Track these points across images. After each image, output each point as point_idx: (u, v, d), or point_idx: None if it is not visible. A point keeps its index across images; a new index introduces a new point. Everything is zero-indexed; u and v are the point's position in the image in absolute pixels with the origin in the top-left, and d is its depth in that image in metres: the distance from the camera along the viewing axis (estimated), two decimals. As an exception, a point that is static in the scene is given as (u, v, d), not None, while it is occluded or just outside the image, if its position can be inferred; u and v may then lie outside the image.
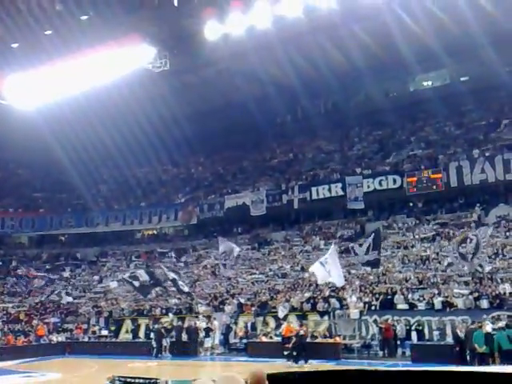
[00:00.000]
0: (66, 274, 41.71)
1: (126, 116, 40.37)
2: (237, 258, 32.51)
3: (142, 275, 30.98)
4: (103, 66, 35.77)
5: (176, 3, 35.76)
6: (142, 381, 14.73)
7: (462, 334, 19.73)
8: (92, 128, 40.50)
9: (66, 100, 37.90)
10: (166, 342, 28.05)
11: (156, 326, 28.56)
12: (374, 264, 26.15)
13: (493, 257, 26.31)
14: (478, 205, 31.06)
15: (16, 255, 44.54)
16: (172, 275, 31.22)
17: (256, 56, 35.28)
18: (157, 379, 15.03)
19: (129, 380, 14.73)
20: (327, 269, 24.05)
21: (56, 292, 38.76)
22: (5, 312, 35.60)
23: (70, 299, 36.73)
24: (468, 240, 25.52)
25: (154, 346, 27.85)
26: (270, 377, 0.87)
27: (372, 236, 26.18)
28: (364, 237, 32.73)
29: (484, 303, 22.54)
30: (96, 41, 35.20)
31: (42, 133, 39.96)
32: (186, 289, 30.30)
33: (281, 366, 22.68)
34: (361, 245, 27.07)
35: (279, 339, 24.83)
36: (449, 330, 22.00)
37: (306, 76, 37.62)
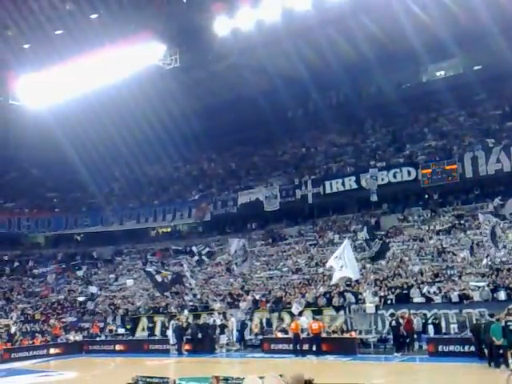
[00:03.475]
0: (82, 272, 41.96)
1: (136, 114, 40.48)
2: (247, 252, 32.08)
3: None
4: (114, 64, 35.79)
5: (185, -1, 35.65)
6: (157, 380, 14.72)
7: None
8: (103, 127, 40.63)
9: (78, 99, 38.01)
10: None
11: (175, 323, 28.52)
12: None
13: (510, 247, 25.95)
14: (499, 197, 30.35)
15: (32, 255, 44.90)
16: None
17: (266, 50, 35.13)
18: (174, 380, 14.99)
19: (148, 380, 14.72)
20: (339, 264, 23.89)
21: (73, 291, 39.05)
22: (22, 312, 35.88)
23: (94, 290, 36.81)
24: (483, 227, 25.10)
25: (173, 343, 27.89)
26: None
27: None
28: (380, 230, 32.71)
29: (501, 295, 22.22)
30: (106, 39, 35.24)
31: (54, 132, 40.18)
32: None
33: (296, 361, 22.63)
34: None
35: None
36: (466, 323, 21.75)
37: (317, 69, 37.39)
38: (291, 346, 24.25)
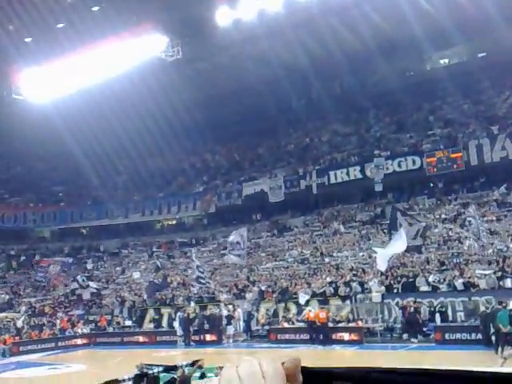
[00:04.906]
0: (89, 266, 42.10)
1: (139, 106, 40.33)
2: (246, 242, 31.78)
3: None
4: (116, 56, 35.79)
5: (187, -10, 35.48)
6: (161, 368, 14.83)
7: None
8: (107, 119, 40.51)
9: (81, 92, 37.99)
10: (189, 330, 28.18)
11: (181, 315, 28.59)
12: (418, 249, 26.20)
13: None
14: (504, 185, 30.30)
15: (39, 249, 45.06)
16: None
17: (268, 40, 34.94)
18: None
19: (153, 368, 14.82)
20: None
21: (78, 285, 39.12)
22: (29, 305, 36.04)
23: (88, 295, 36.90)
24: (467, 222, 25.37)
25: (180, 334, 27.97)
26: (304, 370, 0.78)
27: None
28: (385, 220, 32.58)
29: (508, 282, 22.19)
30: (108, 32, 35.16)
31: (58, 126, 40.05)
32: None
33: (303, 350, 22.66)
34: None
35: (301, 325, 24.87)
36: (473, 311, 21.74)
37: (320, 59, 37.16)
38: (300, 336, 24.42)
